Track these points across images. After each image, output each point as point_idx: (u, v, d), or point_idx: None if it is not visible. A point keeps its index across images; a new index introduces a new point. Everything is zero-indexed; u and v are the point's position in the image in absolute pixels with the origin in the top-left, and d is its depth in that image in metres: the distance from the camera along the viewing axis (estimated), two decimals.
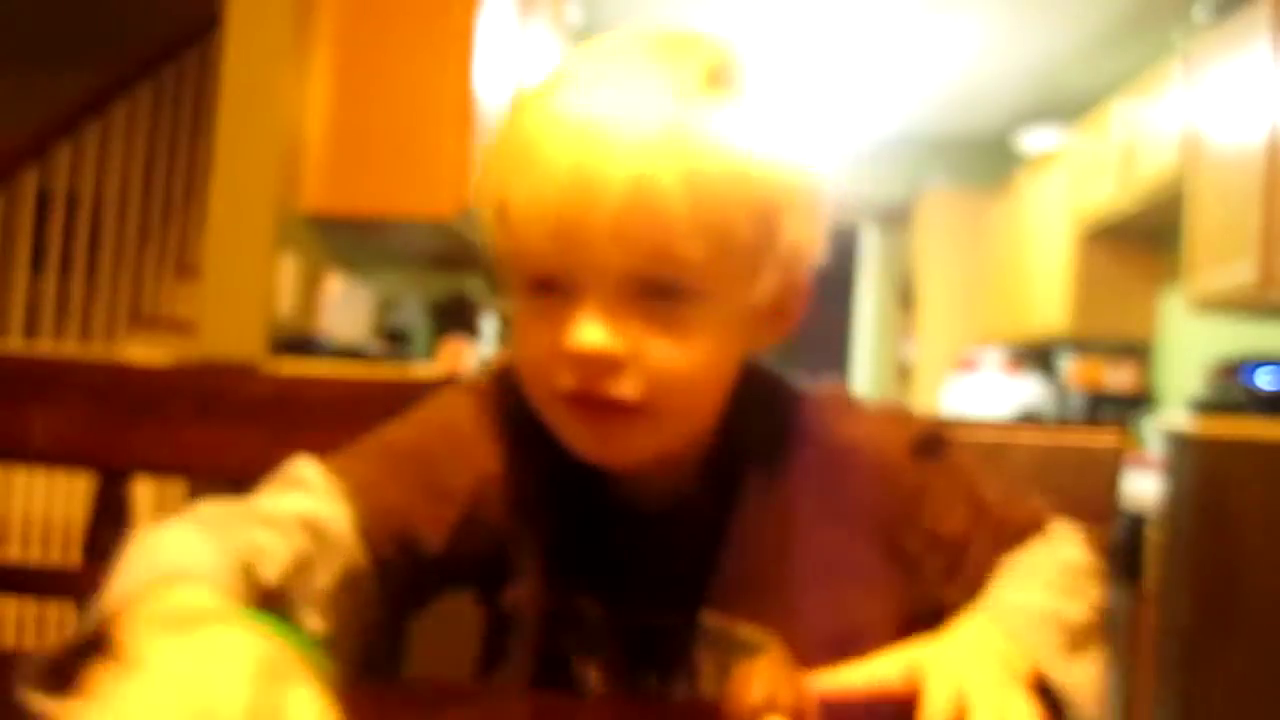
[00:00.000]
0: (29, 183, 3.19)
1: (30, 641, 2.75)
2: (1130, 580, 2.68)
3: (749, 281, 0.64)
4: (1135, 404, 4.08)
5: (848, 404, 0.75)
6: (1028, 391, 4.60)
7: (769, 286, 0.65)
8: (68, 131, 3.25)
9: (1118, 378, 4.16)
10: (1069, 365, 4.37)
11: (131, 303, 3.41)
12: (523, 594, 0.72)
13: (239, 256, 2.40)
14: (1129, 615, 2.69)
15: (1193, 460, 2.44)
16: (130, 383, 1.00)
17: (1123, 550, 2.67)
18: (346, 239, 2.77)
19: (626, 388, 0.62)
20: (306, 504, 0.64)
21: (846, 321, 6.25)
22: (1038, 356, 4.77)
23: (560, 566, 0.71)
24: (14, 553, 2.77)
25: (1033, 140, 4.62)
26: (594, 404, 0.62)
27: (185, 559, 0.53)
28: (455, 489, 0.70)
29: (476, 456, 0.71)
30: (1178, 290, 3.51)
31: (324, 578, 0.62)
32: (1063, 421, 4.26)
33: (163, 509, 2.12)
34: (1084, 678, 0.62)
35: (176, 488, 2.02)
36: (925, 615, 0.69)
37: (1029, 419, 4.33)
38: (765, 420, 0.72)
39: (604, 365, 0.61)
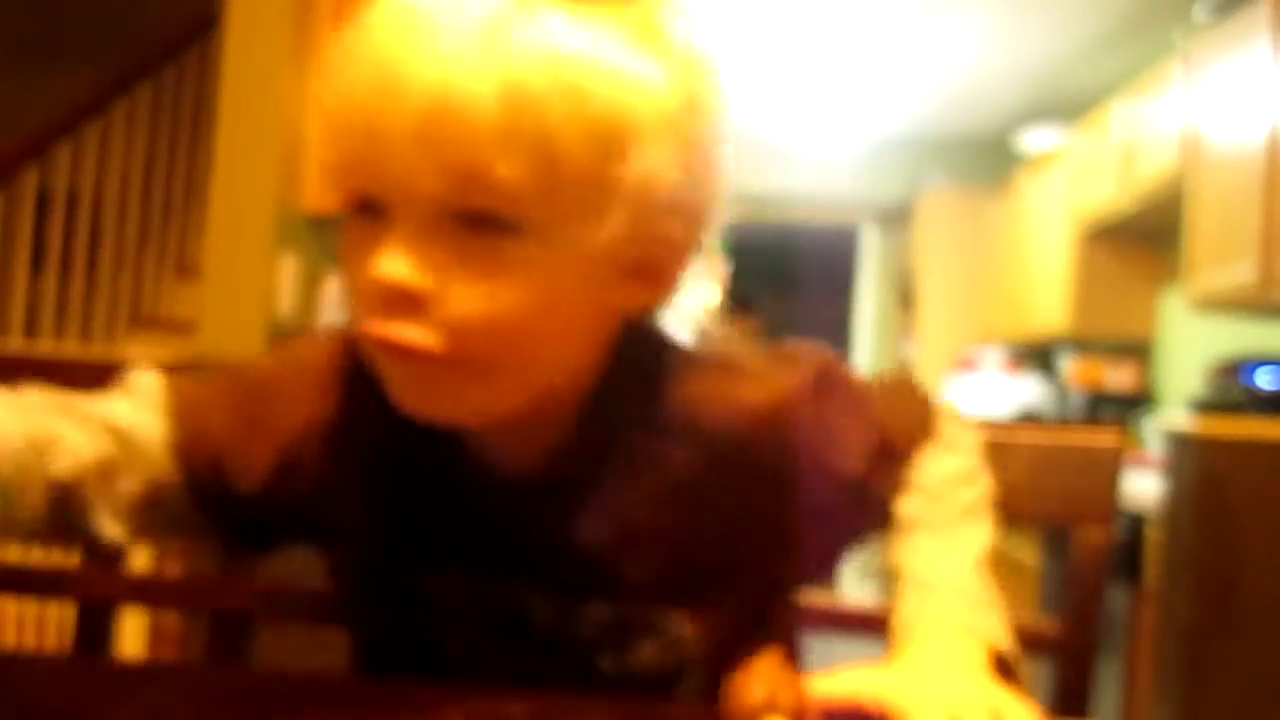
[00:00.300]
0: (29, 183, 3.19)
1: (30, 641, 2.74)
2: (1130, 580, 2.68)
3: (587, 219, 0.55)
4: (1135, 404, 4.08)
5: (735, 358, 0.68)
6: (1028, 391, 4.59)
7: (617, 229, 0.55)
8: (68, 131, 3.25)
9: (1118, 378, 4.16)
10: (1069, 365, 4.36)
11: (131, 303, 3.41)
12: (342, 556, 0.67)
13: (239, 256, 2.40)
14: (1129, 615, 2.69)
15: (1193, 460, 2.44)
16: None
17: (1123, 550, 2.67)
18: None
19: (420, 333, 0.54)
20: (123, 411, 0.63)
21: (846, 321, 6.25)
22: (1038, 356, 4.77)
23: (393, 529, 0.66)
24: (14, 553, 2.76)
25: (1033, 140, 4.62)
26: (395, 350, 0.55)
27: None
28: (279, 428, 0.65)
29: (311, 398, 0.66)
30: (1178, 290, 3.51)
31: (128, 485, 0.61)
32: (1063, 421, 4.26)
33: None
34: (1004, 617, 0.63)
35: None
36: (840, 556, 0.70)
37: (1029, 419, 4.33)
38: (644, 384, 0.65)
39: (403, 302, 0.54)
